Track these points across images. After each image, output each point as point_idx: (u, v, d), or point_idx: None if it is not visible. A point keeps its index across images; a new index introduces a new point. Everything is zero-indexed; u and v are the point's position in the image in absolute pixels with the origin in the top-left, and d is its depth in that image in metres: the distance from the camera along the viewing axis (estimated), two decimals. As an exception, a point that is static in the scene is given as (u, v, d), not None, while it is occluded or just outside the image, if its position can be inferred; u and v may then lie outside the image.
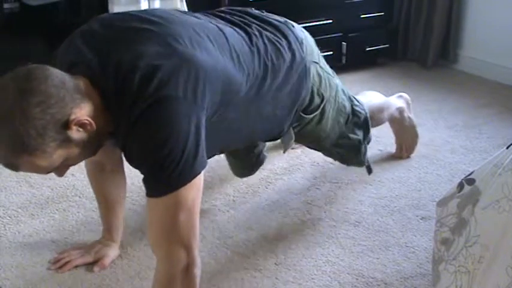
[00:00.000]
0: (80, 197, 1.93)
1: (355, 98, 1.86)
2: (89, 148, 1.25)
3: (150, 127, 1.18)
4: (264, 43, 1.47)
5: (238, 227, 1.78)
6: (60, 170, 1.26)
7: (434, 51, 3.19)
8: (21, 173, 2.03)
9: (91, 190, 1.94)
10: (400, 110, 2.13)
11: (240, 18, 1.52)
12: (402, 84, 2.95)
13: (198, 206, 1.26)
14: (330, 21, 3.02)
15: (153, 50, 1.23)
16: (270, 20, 1.57)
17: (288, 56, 1.50)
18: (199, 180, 1.24)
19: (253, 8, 1.63)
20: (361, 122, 1.82)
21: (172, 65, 1.21)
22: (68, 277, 1.55)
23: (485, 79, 3.05)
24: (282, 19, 1.62)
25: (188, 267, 1.25)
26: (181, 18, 1.38)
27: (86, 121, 1.19)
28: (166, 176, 1.20)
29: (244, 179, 2.03)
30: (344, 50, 3.11)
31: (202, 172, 1.25)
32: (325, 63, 1.71)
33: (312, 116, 1.64)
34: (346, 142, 1.81)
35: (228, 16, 1.52)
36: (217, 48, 1.34)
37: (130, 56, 1.22)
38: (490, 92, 2.89)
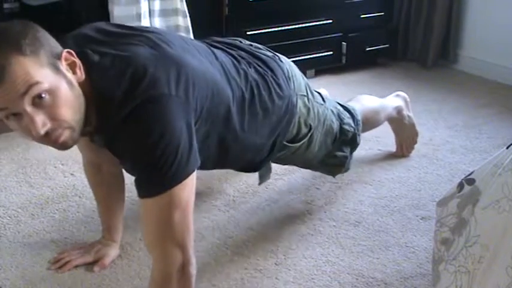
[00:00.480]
0: (80, 197, 1.93)
1: (346, 109, 1.86)
2: (76, 105, 1.17)
3: (142, 125, 1.17)
4: (252, 73, 1.49)
5: (238, 227, 1.78)
6: (40, 113, 1.12)
7: (434, 51, 3.19)
8: (21, 173, 2.05)
9: (91, 190, 1.94)
10: (398, 109, 2.13)
11: (230, 50, 1.54)
12: (402, 84, 2.95)
13: (191, 204, 1.26)
14: (330, 21, 3.02)
15: (145, 50, 1.25)
16: (259, 54, 1.59)
17: (274, 89, 1.52)
18: (193, 178, 1.24)
19: (242, 40, 1.66)
20: (349, 140, 1.83)
21: (164, 65, 1.22)
22: (68, 277, 1.55)
23: (485, 79, 3.05)
24: (271, 53, 1.64)
25: (184, 267, 1.25)
26: (172, 34, 1.42)
27: (75, 60, 1.18)
28: (160, 175, 1.19)
29: (244, 178, 2.03)
30: (344, 50, 3.11)
31: (196, 171, 1.24)
32: (314, 92, 1.73)
33: (299, 144, 1.66)
34: (332, 161, 1.83)
35: (217, 44, 1.55)
36: (207, 61, 1.37)
37: (124, 54, 1.23)
38: (490, 92, 2.89)
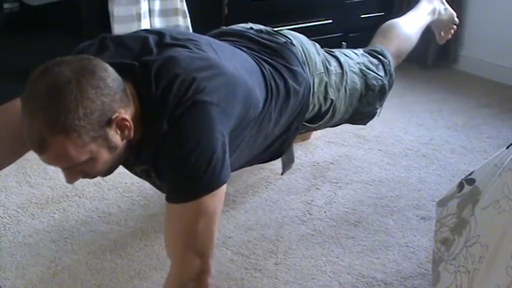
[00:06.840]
0: (80, 197, 1.93)
1: (374, 55, 1.87)
2: (115, 159, 1.21)
3: (182, 132, 1.18)
4: (267, 67, 1.49)
5: (238, 227, 1.78)
6: (75, 172, 1.20)
7: (434, 51, 3.19)
8: (21, 173, 2.05)
9: (91, 190, 1.95)
10: (433, 12, 2.17)
11: (241, 45, 1.53)
12: (402, 84, 2.95)
13: (218, 215, 1.25)
14: (330, 21, 3.02)
15: (185, 56, 1.25)
16: (270, 44, 1.58)
17: (289, 79, 1.52)
18: (223, 189, 1.23)
19: (253, 26, 1.65)
20: (376, 93, 1.84)
21: (208, 74, 1.23)
22: (68, 277, 1.55)
23: (485, 79, 3.05)
24: (282, 40, 1.63)
25: (201, 275, 1.23)
26: (196, 35, 1.42)
27: (127, 123, 1.16)
28: (192, 182, 1.19)
29: (244, 178, 2.03)
30: (344, 50, 3.11)
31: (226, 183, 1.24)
32: (331, 61, 1.73)
33: (323, 119, 1.68)
34: (359, 116, 1.86)
35: (229, 38, 1.55)
36: (235, 63, 1.36)
37: (168, 64, 1.23)
38: (490, 92, 2.89)
